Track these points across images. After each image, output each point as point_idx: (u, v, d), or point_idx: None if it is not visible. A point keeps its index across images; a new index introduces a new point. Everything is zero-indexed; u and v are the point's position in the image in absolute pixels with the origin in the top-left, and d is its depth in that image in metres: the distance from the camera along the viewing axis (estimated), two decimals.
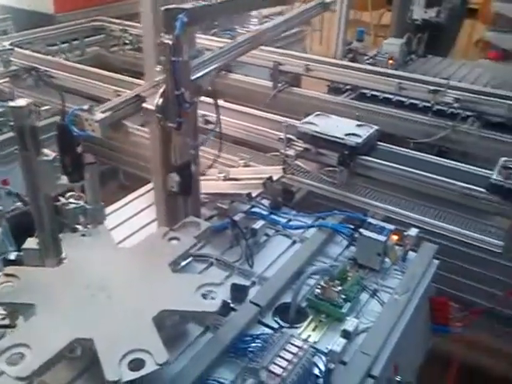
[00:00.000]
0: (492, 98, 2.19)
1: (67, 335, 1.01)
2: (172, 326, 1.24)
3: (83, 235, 1.34)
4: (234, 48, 1.51)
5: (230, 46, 1.50)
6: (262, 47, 2.80)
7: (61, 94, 1.37)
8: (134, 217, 1.72)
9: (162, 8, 1.07)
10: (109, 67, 2.88)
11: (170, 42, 1.08)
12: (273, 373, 1.08)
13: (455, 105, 2.21)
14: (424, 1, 2.86)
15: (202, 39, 2.96)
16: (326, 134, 1.74)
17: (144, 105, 1.18)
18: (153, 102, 1.16)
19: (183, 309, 1.13)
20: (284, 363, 1.10)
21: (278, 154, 1.89)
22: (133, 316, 1.09)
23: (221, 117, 2.07)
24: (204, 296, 1.14)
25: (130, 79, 2.27)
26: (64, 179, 1.25)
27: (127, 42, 3.01)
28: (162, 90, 1.17)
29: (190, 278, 1.29)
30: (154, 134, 1.38)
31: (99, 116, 1.06)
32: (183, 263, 1.37)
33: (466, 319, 1.60)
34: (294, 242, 1.61)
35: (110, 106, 1.11)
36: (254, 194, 1.63)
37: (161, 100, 1.17)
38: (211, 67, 1.35)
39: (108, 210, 1.74)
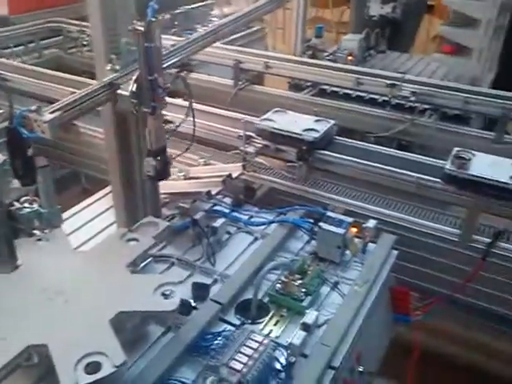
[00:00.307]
0: (447, 91, 2.24)
1: (20, 342, 0.99)
2: (133, 328, 1.23)
3: (39, 240, 1.31)
4: (198, 40, 1.53)
5: (193, 37, 1.52)
6: (223, 46, 2.81)
7: (8, 96, 1.34)
8: (93, 220, 1.70)
9: None
10: (68, 69, 2.83)
11: (143, 29, 1.13)
12: (233, 369, 1.08)
13: (412, 98, 2.25)
14: None
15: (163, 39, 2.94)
16: (284, 130, 1.74)
17: (119, 91, 1.21)
18: (127, 89, 1.20)
19: (141, 309, 1.12)
20: (244, 359, 1.11)
21: (238, 151, 1.89)
22: (90, 319, 1.07)
23: (180, 116, 2.07)
24: (163, 296, 1.14)
25: (89, 80, 2.23)
26: (16, 183, 1.23)
27: (85, 43, 2.96)
28: (135, 77, 1.20)
29: (148, 278, 1.28)
30: (110, 133, 1.37)
31: (48, 117, 1.04)
32: (142, 264, 1.36)
33: (426, 307, 1.63)
34: (256, 239, 1.62)
35: (59, 106, 1.08)
36: (214, 192, 1.63)
37: (135, 86, 1.20)
38: (177, 58, 1.39)
39: (67, 214, 1.73)
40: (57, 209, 1.37)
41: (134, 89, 1.21)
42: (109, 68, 1.16)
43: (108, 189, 1.79)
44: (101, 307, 1.10)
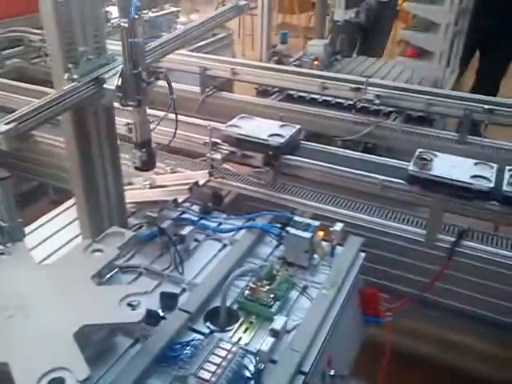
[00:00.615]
0: (410, 94, 2.28)
1: None
2: (100, 341, 1.21)
3: (0, 254, 1.28)
4: (166, 44, 1.53)
5: (162, 40, 1.53)
6: (189, 53, 2.81)
7: None
8: (58, 232, 1.66)
9: None
10: (31, 79, 2.79)
11: (126, 25, 1.21)
12: (201, 378, 1.07)
13: (377, 101, 2.28)
14: (344, 3, 2.95)
15: None
16: (250, 136, 1.75)
17: (105, 86, 1.26)
18: (113, 83, 1.26)
19: (106, 322, 1.10)
20: (213, 368, 1.10)
21: (205, 158, 1.88)
22: (52, 334, 1.05)
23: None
24: (129, 307, 1.12)
25: (51, 90, 2.20)
26: None
27: (48, 52, 2.90)
28: (120, 71, 1.26)
29: (113, 289, 1.25)
30: (71, 143, 1.35)
31: (3, 128, 1.02)
32: (108, 275, 1.33)
33: (396, 308, 1.65)
34: (225, 246, 1.61)
35: (16, 116, 1.06)
36: (180, 200, 1.61)
37: (120, 80, 1.26)
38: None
39: (30, 227, 1.69)
40: (18, 222, 1.34)
41: (119, 83, 1.26)
42: (66, 77, 1.14)
43: (72, 201, 1.76)
44: (64, 321, 1.07)
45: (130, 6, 1.19)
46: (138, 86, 1.29)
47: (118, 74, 1.26)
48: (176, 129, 1.58)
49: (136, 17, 1.21)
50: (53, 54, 1.19)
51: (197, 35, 1.58)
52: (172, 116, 2.17)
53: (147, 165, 1.46)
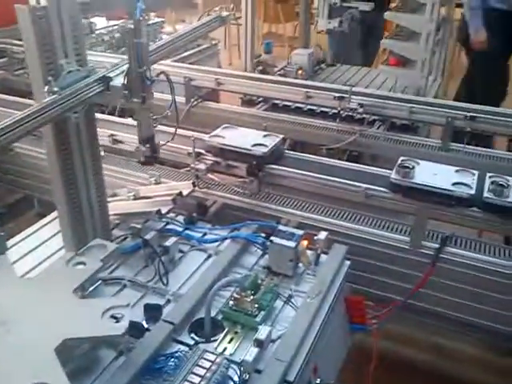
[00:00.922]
0: (393, 102, 2.30)
1: None
2: (83, 354, 1.20)
3: None
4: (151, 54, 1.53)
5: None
6: (174, 64, 2.81)
7: None
8: (41, 245, 1.65)
9: None
10: (15, 91, 2.79)
11: (132, 27, 1.30)
12: None
13: (360, 110, 2.30)
14: (327, 13, 2.98)
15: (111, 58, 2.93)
16: (233, 146, 1.75)
17: (111, 83, 1.33)
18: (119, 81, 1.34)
19: (88, 335, 1.09)
20: (197, 379, 1.09)
21: (189, 168, 1.88)
22: (33, 349, 1.04)
23: (130, 135, 2.06)
24: (112, 319, 1.11)
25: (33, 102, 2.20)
26: None
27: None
28: (126, 70, 1.34)
29: (95, 302, 1.24)
30: (52, 153, 1.34)
31: None
32: (91, 288, 1.32)
33: (381, 315, 1.66)
34: (210, 256, 1.61)
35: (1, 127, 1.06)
36: (164, 211, 1.61)
37: (126, 79, 1.34)
38: None
39: (14, 240, 1.68)
40: (0, 236, 1.33)
41: (125, 81, 1.34)
42: (46, 90, 1.14)
43: (55, 213, 1.75)
44: (45, 335, 1.06)
45: (136, 9, 1.30)
46: (143, 84, 1.37)
47: (124, 73, 1.34)
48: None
49: (141, 18, 1.32)
50: (32, 66, 1.18)
51: (180, 45, 1.58)
52: (159, 127, 2.19)
53: (150, 159, 1.56)
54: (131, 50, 1.32)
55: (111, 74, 1.34)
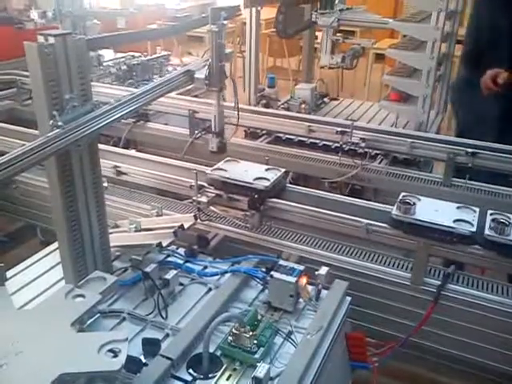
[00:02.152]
0: (394, 137, 2.32)
1: None
2: None
3: None
4: (149, 92, 1.57)
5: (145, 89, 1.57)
6: (178, 96, 2.86)
7: None
8: (41, 276, 1.65)
9: (210, 8, 1.66)
10: (23, 121, 2.83)
11: (217, 29, 1.66)
12: None
13: (362, 144, 2.32)
14: (330, 48, 3.03)
15: (120, 90, 2.99)
16: (236, 180, 1.77)
17: (195, 75, 1.70)
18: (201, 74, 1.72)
19: (84, 370, 1.08)
20: None
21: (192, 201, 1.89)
22: (30, 382, 1.03)
23: (134, 167, 2.08)
24: (109, 354, 1.10)
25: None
26: None
27: None
28: (208, 65, 1.70)
29: (93, 336, 1.24)
30: (54, 185, 1.35)
31: None
32: (90, 321, 1.32)
33: (383, 352, 1.63)
34: (210, 290, 1.60)
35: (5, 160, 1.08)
36: (165, 244, 1.61)
37: (207, 72, 1.70)
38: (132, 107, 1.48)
39: (15, 269, 1.68)
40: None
41: (206, 73, 1.69)
42: (51, 124, 1.16)
43: (56, 244, 1.75)
44: (42, 370, 1.05)
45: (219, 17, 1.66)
46: (221, 75, 1.73)
47: (207, 67, 1.69)
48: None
49: (224, 23, 1.67)
50: (38, 101, 1.21)
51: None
52: (156, 158, 2.22)
53: (222, 148, 1.97)
54: (214, 48, 1.68)
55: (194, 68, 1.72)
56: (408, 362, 1.88)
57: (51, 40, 1.18)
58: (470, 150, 2.17)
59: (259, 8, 2.79)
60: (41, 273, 1.68)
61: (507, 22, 2.40)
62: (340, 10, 3.01)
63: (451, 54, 2.92)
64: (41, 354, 1.10)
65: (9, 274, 1.63)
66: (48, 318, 1.21)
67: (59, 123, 1.16)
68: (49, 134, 1.17)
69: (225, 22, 1.69)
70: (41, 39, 1.19)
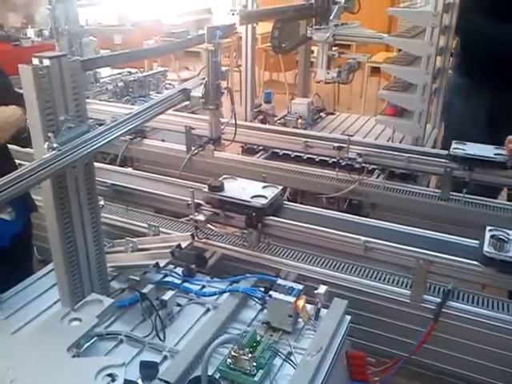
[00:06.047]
0: (391, 152, 2.32)
1: None
2: None
3: None
4: (148, 111, 1.57)
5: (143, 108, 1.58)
6: (175, 113, 2.86)
7: None
8: (36, 299, 1.63)
9: (206, 26, 1.65)
10: (20, 140, 2.81)
11: (212, 48, 1.65)
12: None
13: (359, 159, 2.32)
14: (326, 63, 3.04)
15: (117, 107, 2.99)
16: (233, 198, 1.76)
17: (191, 94, 1.69)
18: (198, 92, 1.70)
19: None
20: None
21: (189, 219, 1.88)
22: None
23: (129, 185, 2.07)
24: (107, 378, 1.08)
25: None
26: None
27: None
28: (204, 83, 1.69)
29: (89, 361, 1.21)
30: (49, 206, 1.34)
31: None
32: (86, 344, 1.30)
33: (384, 371, 1.62)
34: (208, 310, 1.58)
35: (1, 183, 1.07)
36: (162, 264, 1.59)
37: (204, 90, 1.68)
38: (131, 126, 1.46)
39: (10, 292, 1.66)
40: None
41: (202, 92, 1.68)
42: (46, 146, 1.15)
43: (52, 265, 1.73)
44: None
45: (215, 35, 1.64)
46: (217, 94, 1.72)
47: (203, 85, 1.68)
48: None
49: (219, 42, 1.66)
50: (33, 123, 1.20)
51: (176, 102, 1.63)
52: (152, 176, 2.22)
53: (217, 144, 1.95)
54: (210, 66, 1.67)
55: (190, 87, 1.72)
56: (407, 378, 1.85)
57: (46, 62, 1.18)
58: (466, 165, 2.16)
59: (254, 24, 2.80)
60: (37, 294, 1.66)
61: (497, 32, 2.41)
62: (335, 26, 3.02)
63: (446, 68, 2.93)
64: (36, 381, 1.08)
65: (4, 296, 1.62)
66: (43, 343, 1.19)
67: (54, 145, 1.15)
68: (44, 156, 1.16)
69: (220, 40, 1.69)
70: (36, 61, 1.18)
